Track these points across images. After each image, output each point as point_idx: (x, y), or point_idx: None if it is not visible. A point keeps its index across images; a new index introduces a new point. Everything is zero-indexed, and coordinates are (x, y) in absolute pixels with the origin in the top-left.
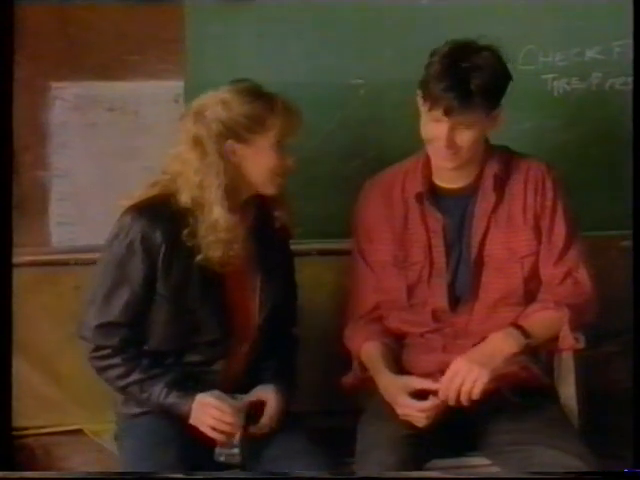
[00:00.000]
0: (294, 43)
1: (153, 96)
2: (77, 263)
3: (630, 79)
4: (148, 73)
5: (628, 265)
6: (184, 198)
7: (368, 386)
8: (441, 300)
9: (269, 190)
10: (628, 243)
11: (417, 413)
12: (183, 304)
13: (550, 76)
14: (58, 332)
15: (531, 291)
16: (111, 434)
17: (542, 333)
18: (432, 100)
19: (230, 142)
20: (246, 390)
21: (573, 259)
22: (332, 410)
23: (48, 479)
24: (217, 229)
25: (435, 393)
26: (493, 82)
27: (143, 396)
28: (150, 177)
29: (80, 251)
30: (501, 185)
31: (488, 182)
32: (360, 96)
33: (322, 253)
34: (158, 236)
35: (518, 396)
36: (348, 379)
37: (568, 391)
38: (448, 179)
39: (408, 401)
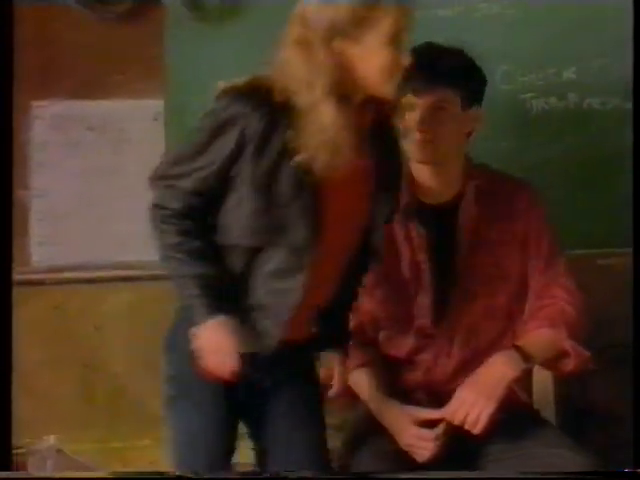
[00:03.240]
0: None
1: (133, 115)
2: (57, 283)
3: (608, 99)
4: (128, 92)
5: (606, 284)
6: (290, 96)
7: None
8: (425, 318)
9: (383, 91)
10: (605, 261)
11: (426, 443)
12: (270, 198)
13: (528, 95)
14: (37, 352)
15: (514, 309)
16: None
17: (541, 353)
18: (402, 85)
19: (338, 40)
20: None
21: (560, 275)
22: None
23: (48, 479)
24: (325, 131)
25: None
26: (463, 68)
27: (176, 281)
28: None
29: (60, 270)
30: (484, 200)
31: (470, 195)
32: None
33: None
34: (256, 122)
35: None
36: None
37: (547, 410)
38: (432, 195)
39: (420, 432)
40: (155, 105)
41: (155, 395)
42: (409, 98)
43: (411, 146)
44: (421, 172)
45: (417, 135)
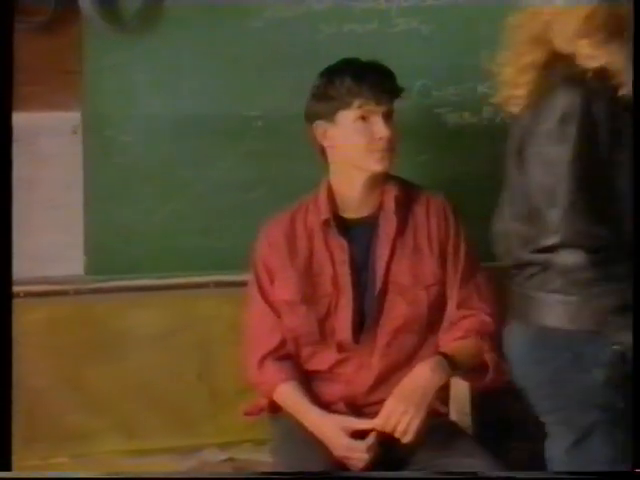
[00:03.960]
0: (192, 74)
1: (51, 127)
2: None
3: None
4: (45, 104)
5: None
6: None
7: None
8: (345, 332)
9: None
10: None
11: (359, 454)
12: None
13: (443, 109)
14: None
15: (433, 319)
16: None
17: (465, 363)
18: (359, 96)
19: None
20: None
21: (479, 286)
22: None
23: (48, 479)
24: None
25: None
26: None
27: None
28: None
29: None
30: (403, 211)
31: (389, 204)
32: (257, 128)
33: (219, 285)
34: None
35: None
36: (248, 408)
37: (464, 420)
38: (353, 209)
39: (352, 443)
40: (73, 117)
41: (74, 411)
42: (366, 110)
43: (368, 155)
44: (345, 186)
45: (380, 146)
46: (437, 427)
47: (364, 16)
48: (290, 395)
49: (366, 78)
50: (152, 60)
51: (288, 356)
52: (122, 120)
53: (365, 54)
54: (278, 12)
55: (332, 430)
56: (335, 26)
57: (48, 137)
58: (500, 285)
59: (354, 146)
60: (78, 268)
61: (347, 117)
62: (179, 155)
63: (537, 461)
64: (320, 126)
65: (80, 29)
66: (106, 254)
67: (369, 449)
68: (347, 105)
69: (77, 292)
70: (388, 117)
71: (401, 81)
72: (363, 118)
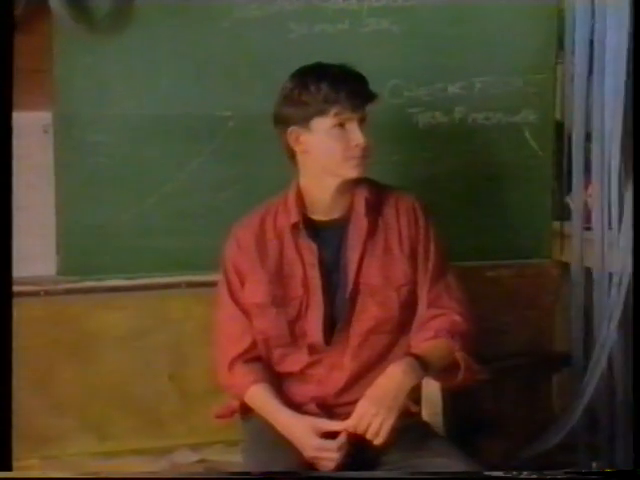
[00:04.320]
0: (163, 74)
1: (22, 127)
2: None
3: (491, 114)
4: (15, 103)
5: (495, 295)
6: None
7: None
8: (316, 334)
9: None
10: (494, 273)
11: (330, 454)
12: None
13: (415, 110)
14: None
15: (405, 320)
16: None
17: (437, 363)
18: (336, 103)
19: None
20: None
21: (450, 286)
22: None
23: (48, 479)
24: None
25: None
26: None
27: None
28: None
29: None
30: (373, 213)
31: (360, 207)
32: (228, 128)
33: (191, 285)
34: None
35: None
36: (220, 410)
37: (436, 420)
38: (323, 211)
39: (323, 443)
40: (44, 117)
41: (44, 412)
42: (341, 118)
43: (345, 161)
44: (316, 189)
45: (357, 152)
46: (409, 427)
47: (335, 16)
48: (260, 397)
49: (343, 85)
50: (123, 60)
51: (258, 358)
52: (93, 120)
53: (336, 54)
54: (249, 12)
55: (302, 431)
56: (306, 26)
57: (19, 137)
58: (472, 284)
59: (330, 153)
60: (50, 269)
61: (323, 124)
62: (150, 155)
63: (510, 460)
64: (294, 132)
65: (50, 28)
66: (78, 255)
67: (340, 448)
68: (323, 112)
69: (49, 293)
70: (362, 122)
71: (372, 81)
72: (340, 125)
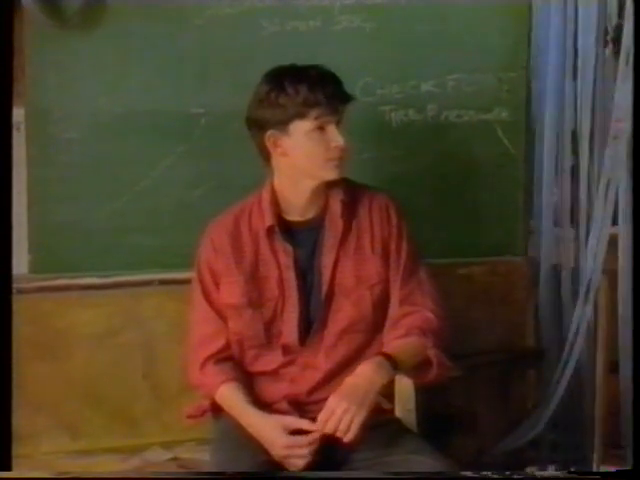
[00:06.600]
0: (135, 71)
1: None
2: None
3: (463, 112)
4: None
5: (466, 292)
6: None
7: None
8: (291, 335)
9: None
10: (465, 270)
11: (300, 451)
12: None
13: (388, 107)
14: None
15: (379, 318)
16: None
17: (409, 361)
18: (316, 107)
19: None
20: None
21: (422, 284)
22: None
23: (48, 479)
24: None
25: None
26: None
27: None
28: None
29: None
30: (348, 214)
31: (335, 208)
32: (201, 125)
33: (164, 283)
34: None
35: None
36: (191, 410)
37: (408, 417)
38: (298, 212)
39: (292, 440)
40: (16, 114)
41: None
42: (322, 122)
43: (325, 163)
44: (292, 191)
45: (336, 154)
46: (382, 424)
47: (307, 13)
48: (230, 396)
49: (321, 88)
50: (95, 57)
51: (230, 358)
52: (65, 117)
53: (308, 52)
54: (221, 9)
55: (271, 430)
56: (278, 23)
57: None
58: (444, 281)
59: (311, 156)
60: (22, 267)
61: (302, 127)
62: (123, 152)
63: (483, 457)
64: (272, 136)
65: (22, 24)
66: (50, 253)
67: (310, 444)
68: (302, 115)
69: (21, 291)
70: (339, 124)
71: (345, 79)
72: (319, 128)
